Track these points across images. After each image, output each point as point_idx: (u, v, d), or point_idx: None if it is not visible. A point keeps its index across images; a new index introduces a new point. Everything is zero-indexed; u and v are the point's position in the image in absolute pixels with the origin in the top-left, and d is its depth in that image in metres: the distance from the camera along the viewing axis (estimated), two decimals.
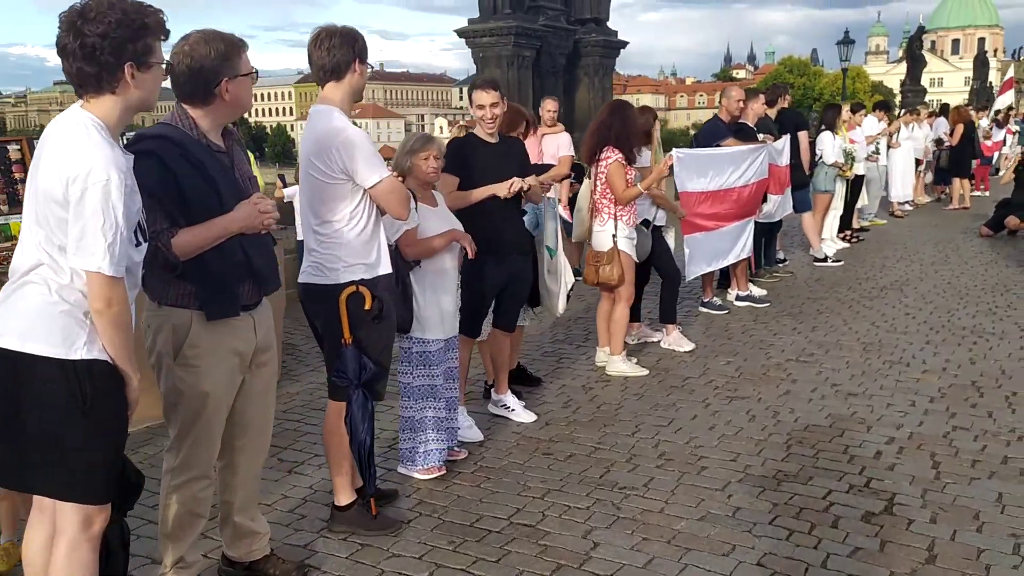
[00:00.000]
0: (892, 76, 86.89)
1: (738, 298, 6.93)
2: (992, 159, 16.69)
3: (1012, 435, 4.02)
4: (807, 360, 5.32)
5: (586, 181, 5.25)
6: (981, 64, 43.02)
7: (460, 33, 11.35)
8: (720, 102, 6.63)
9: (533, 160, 5.79)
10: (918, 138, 13.21)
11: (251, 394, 2.61)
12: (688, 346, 5.59)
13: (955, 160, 13.37)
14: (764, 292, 7.26)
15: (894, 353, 5.42)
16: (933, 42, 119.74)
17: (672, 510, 3.33)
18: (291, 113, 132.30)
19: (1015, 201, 10.06)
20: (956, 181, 13.32)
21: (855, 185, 9.94)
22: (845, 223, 10.16)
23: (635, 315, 5.86)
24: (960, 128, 13.16)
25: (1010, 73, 25.26)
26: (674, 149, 5.90)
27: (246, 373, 2.56)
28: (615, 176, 4.94)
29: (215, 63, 2.33)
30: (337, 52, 2.86)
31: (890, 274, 8.05)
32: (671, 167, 5.90)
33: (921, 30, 32.52)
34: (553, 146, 6.35)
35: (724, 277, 7.25)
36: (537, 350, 5.75)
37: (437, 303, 3.59)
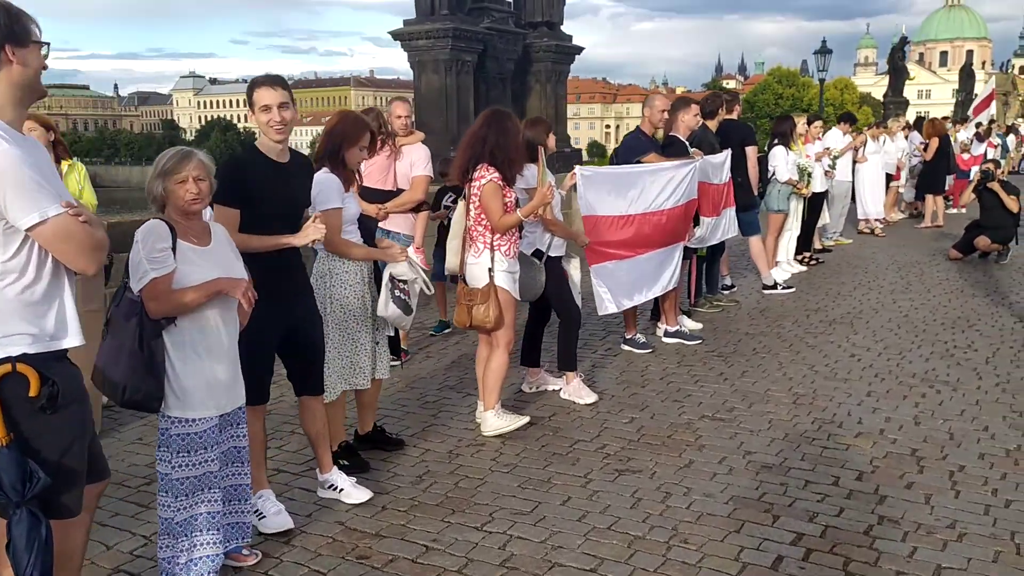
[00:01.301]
0: (880, 87, 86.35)
1: (666, 334, 6.13)
2: (970, 174, 16.03)
3: (951, 532, 3.22)
4: (724, 418, 4.52)
5: (460, 204, 4.46)
6: (967, 76, 42.75)
7: (395, 35, 10.55)
8: (642, 112, 5.84)
9: (386, 183, 4.87)
10: (890, 152, 12.49)
11: None
12: (590, 398, 4.78)
13: (929, 176, 12.65)
14: (699, 326, 6.47)
15: (827, 409, 4.63)
16: (921, 54, 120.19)
17: None
18: None
19: (984, 222, 9.32)
20: (929, 198, 12.60)
21: (814, 203, 9.19)
22: (804, 244, 9.42)
23: (534, 359, 5.07)
24: (935, 142, 12.44)
25: (991, 86, 24.66)
26: (577, 167, 5.15)
27: None
28: (490, 199, 4.15)
29: None
30: None
31: (843, 304, 7.27)
32: (574, 186, 5.15)
33: (904, 41, 32.01)
34: (406, 163, 5.24)
35: (657, 309, 6.47)
36: (419, 399, 4.94)
37: (202, 371, 2.77)
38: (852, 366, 5.43)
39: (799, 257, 9.27)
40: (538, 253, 4.73)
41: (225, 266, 2.82)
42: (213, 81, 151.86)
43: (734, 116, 7.60)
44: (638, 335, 5.94)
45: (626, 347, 5.92)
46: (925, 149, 12.61)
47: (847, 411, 4.59)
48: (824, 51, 22.73)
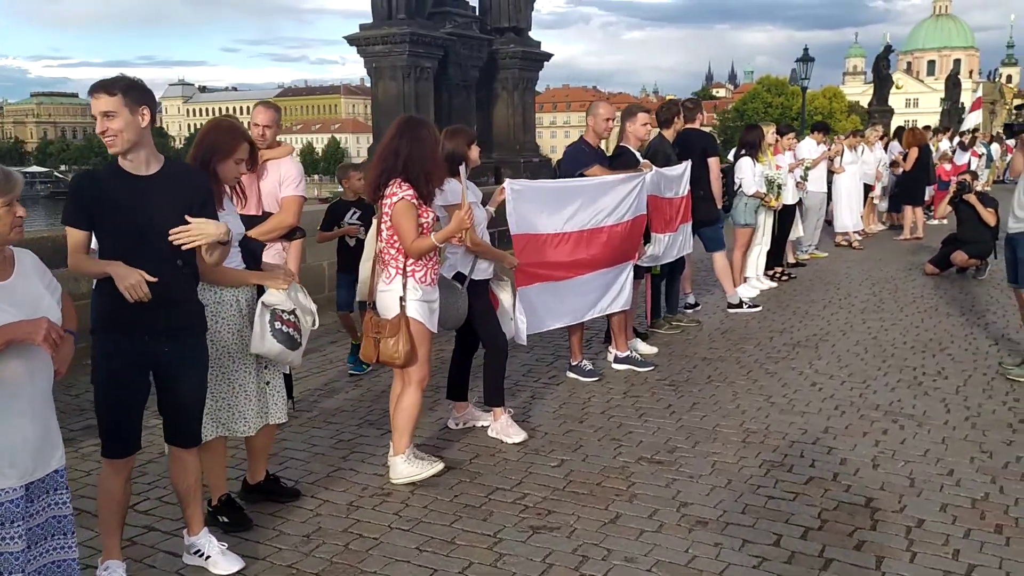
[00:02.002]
0: (868, 96, 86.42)
1: (616, 360, 5.69)
2: (950, 184, 15.71)
3: None
4: (664, 460, 4.07)
5: (373, 224, 4.02)
6: (953, 85, 42.49)
7: (350, 40, 10.13)
8: (586, 121, 5.42)
9: (248, 206, 4.29)
10: (868, 162, 12.13)
11: None
12: (518, 436, 4.33)
13: (908, 186, 12.30)
14: (653, 351, 6.04)
15: (779, 448, 4.19)
16: (909, 63, 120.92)
17: None
18: None
19: (961, 236, 8.94)
20: (908, 209, 12.24)
21: (785, 216, 8.80)
22: (776, 259, 9.02)
23: (461, 393, 4.62)
24: (914, 152, 12.09)
25: (978, 93, 24.45)
26: (507, 180, 4.71)
27: None
28: (402, 220, 3.70)
29: None
30: None
31: (810, 325, 6.85)
32: (502, 201, 4.70)
33: (888, 50, 31.78)
34: (272, 181, 4.30)
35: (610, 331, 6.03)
36: (333, 437, 4.48)
37: (2, 433, 2.32)
38: (811, 397, 5.00)
39: (770, 272, 8.88)
40: (460, 276, 4.29)
41: (28, 303, 2.36)
42: (202, 89, 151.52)
43: (696, 125, 7.21)
44: (584, 362, 5.49)
45: (572, 375, 5.48)
46: (905, 159, 12.26)
47: (800, 451, 4.15)
48: (806, 59, 22.45)
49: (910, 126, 14.97)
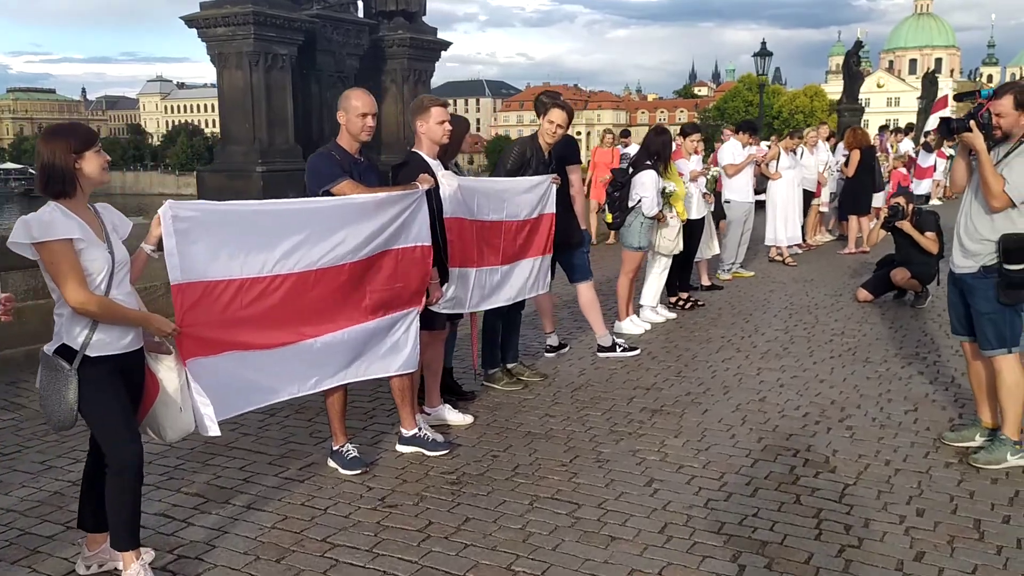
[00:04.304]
0: None
1: (401, 440, 4.23)
2: (911, 188, 14.35)
3: None
4: None
5: None
6: (930, 83, 41.29)
7: (188, 21, 8.62)
8: (338, 118, 3.93)
9: None
10: (808, 166, 10.75)
11: None
12: None
13: (851, 194, 10.92)
14: (465, 422, 4.59)
15: None
16: (891, 62, 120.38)
17: None
18: None
19: (900, 258, 7.54)
20: (853, 220, 10.86)
21: (690, 233, 7.37)
22: (682, 283, 7.62)
23: (95, 520, 3.12)
24: (856, 155, 10.71)
25: (944, 91, 23.21)
26: (168, 203, 3.16)
27: None
28: None
29: None
30: None
31: (690, 377, 5.40)
32: (164, 237, 3.18)
33: (859, 46, 30.44)
34: None
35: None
36: None
37: None
38: (637, 507, 3.54)
39: (674, 299, 7.47)
40: (66, 351, 2.81)
41: None
42: (181, 85, 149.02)
43: None
44: (348, 447, 4.01)
45: (332, 464, 4.02)
46: (847, 163, 10.88)
47: None
48: (764, 53, 21.07)
49: (853, 126, 13.61)
